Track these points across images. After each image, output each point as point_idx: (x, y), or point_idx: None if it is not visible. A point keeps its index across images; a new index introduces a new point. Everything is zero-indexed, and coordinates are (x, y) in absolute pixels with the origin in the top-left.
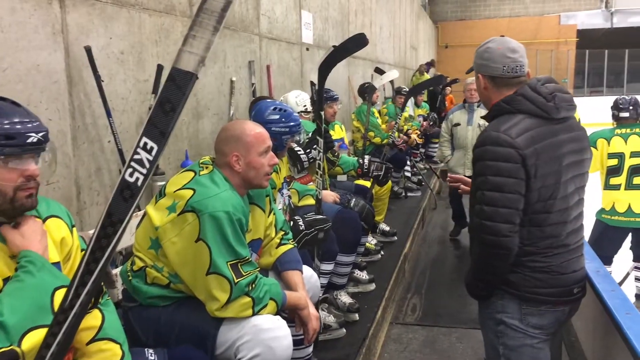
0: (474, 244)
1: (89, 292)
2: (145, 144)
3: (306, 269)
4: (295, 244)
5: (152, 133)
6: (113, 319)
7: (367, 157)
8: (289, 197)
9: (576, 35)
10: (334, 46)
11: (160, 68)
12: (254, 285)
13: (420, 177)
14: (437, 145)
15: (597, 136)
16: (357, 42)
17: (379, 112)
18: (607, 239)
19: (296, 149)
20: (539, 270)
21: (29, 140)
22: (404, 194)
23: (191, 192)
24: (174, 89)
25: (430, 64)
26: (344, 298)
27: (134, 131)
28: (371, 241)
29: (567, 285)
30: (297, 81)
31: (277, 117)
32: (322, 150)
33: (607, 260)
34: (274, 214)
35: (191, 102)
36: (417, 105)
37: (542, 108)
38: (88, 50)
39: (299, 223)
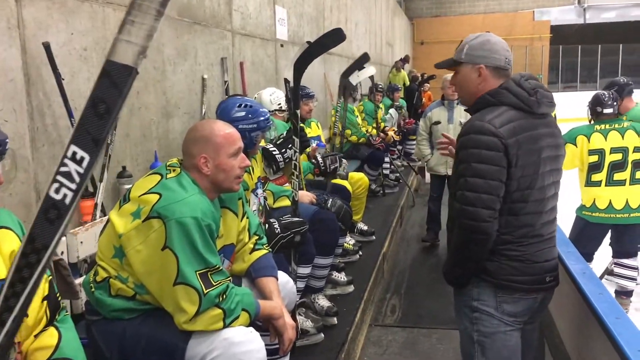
0: (453, 232)
1: (9, 333)
2: (75, 153)
3: (282, 275)
4: (270, 249)
5: (82, 140)
6: (71, 337)
7: (318, 155)
8: (265, 198)
9: (550, 31)
10: (308, 42)
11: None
12: (224, 296)
13: (398, 174)
14: (414, 143)
15: (577, 132)
16: (334, 37)
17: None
18: (587, 235)
19: (271, 149)
20: (514, 259)
21: None
22: (381, 191)
23: (157, 196)
24: (108, 87)
25: (404, 60)
26: (322, 302)
27: None
28: (349, 241)
29: (540, 273)
30: (272, 78)
31: (243, 113)
32: (297, 150)
33: (588, 257)
34: (248, 217)
35: (160, 100)
36: (393, 101)
37: (524, 102)
38: (47, 46)
39: (275, 226)
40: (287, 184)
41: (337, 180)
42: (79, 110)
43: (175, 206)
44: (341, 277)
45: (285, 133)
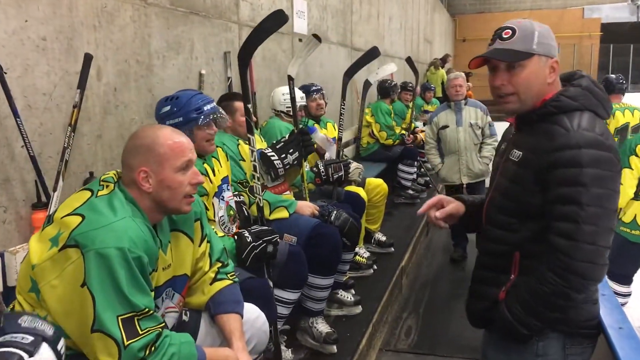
0: (528, 273)
1: None
2: None
3: (251, 310)
4: (235, 280)
5: None
6: None
7: (319, 162)
8: (241, 203)
9: (600, 29)
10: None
11: (88, 58)
12: (154, 348)
13: (428, 178)
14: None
15: (636, 142)
16: (276, 20)
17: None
18: (625, 255)
19: (269, 154)
20: (589, 301)
21: None
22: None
23: (79, 219)
24: None
25: (443, 60)
26: (321, 327)
27: (60, 133)
28: (363, 254)
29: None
30: (284, 75)
31: (167, 108)
32: (302, 154)
33: (626, 279)
34: (209, 241)
35: (145, 98)
36: (426, 101)
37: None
38: None
39: (245, 235)
40: (287, 192)
41: (352, 187)
42: (35, 108)
43: (97, 233)
44: (348, 296)
45: (287, 136)
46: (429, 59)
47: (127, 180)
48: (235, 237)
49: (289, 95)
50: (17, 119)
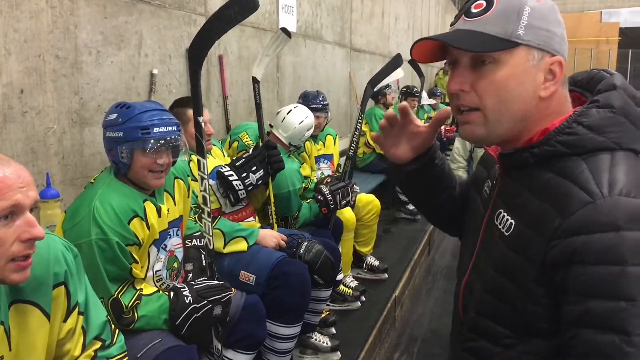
0: None
1: None
2: None
3: None
4: None
5: None
6: None
7: (324, 187)
8: (200, 249)
9: (618, 34)
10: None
11: None
12: None
13: None
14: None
15: None
16: (241, 7)
17: None
18: None
19: (226, 173)
20: None
21: None
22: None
23: None
24: None
25: None
26: None
27: None
28: (349, 283)
29: None
30: (270, 77)
31: (114, 116)
32: (268, 172)
33: None
34: (81, 312)
35: (68, 102)
36: (432, 108)
37: None
38: None
39: (184, 294)
40: (251, 219)
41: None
42: None
43: None
44: (324, 340)
45: (251, 150)
46: (439, 63)
47: None
48: (171, 293)
49: (307, 130)
50: None
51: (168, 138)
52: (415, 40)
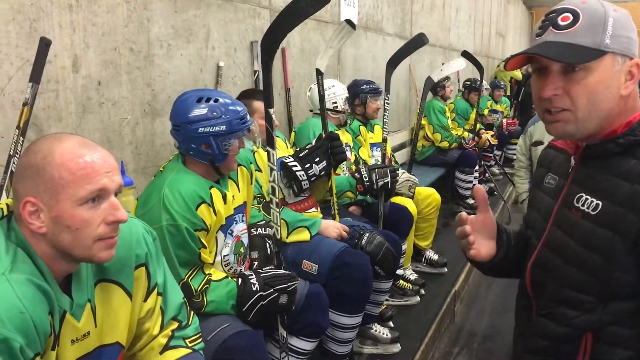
0: None
1: None
2: None
3: None
4: (193, 349)
5: None
6: None
7: (362, 167)
8: (266, 237)
9: None
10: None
11: (45, 43)
12: None
13: (493, 185)
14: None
15: None
16: (313, 1)
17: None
18: None
19: (291, 163)
20: None
21: None
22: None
23: None
24: None
25: None
26: None
27: (12, 137)
28: (409, 276)
29: None
30: (331, 69)
31: (204, 111)
32: (331, 164)
33: None
34: (160, 293)
35: (141, 94)
36: (495, 100)
37: None
38: None
39: (252, 281)
40: (313, 209)
41: (398, 199)
42: None
43: None
44: (384, 331)
45: (313, 142)
46: (501, 55)
47: (18, 215)
48: (239, 280)
49: (332, 91)
50: None
51: (252, 122)
52: (515, 54)
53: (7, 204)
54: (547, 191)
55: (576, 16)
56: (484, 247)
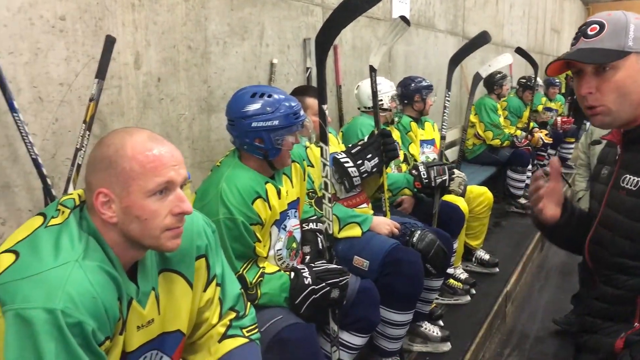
0: None
1: None
2: None
3: None
4: (250, 339)
5: None
6: None
7: (420, 164)
8: (317, 232)
9: None
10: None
11: (110, 41)
12: None
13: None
14: (572, 146)
15: None
16: None
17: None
18: None
19: (342, 159)
20: None
21: None
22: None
23: (11, 259)
24: None
25: None
26: None
27: (78, 131)
28: (459, 275)
29: None
30: (382, 66)
31: (258, 106)
32: (383, 160)
33: None
34: (219, 284)
35: (198, 90)
36: (549, 98)
37: None
38: None
39: (304, 275)
40: (364, 205)
41: (449, 197)
42: (48, 101)
43: (21, 285)
44: (434, 329)
45: (365, 138)
46: (556, 51)
47: (90, 205)
48: (292, 273)
49: (379, 88)
50: (15, 114)
51: (305, 118)
52: (552, 61)
53: (78, 194)
54: (602, 180)
55: (602, 26)
56: (549, 209)
